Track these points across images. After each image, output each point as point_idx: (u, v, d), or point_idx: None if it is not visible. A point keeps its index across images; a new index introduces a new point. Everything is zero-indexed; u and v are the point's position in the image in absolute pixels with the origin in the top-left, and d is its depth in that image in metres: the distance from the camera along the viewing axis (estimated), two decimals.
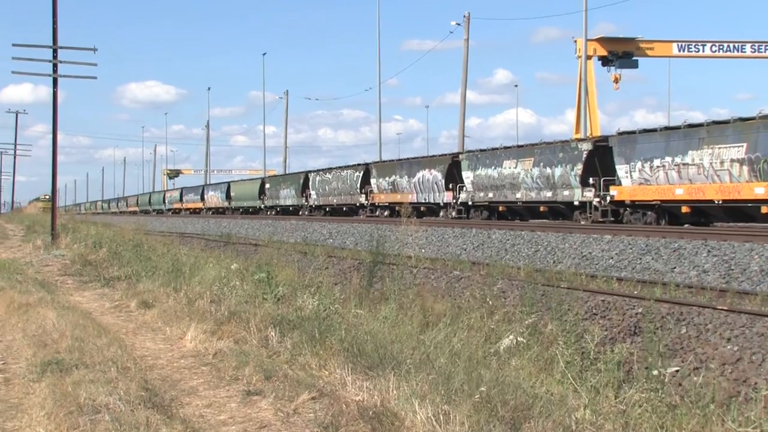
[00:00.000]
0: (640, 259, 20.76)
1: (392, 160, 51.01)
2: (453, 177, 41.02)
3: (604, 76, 56.71)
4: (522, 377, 8.70)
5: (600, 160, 31.94)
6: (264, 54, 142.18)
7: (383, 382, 7.42)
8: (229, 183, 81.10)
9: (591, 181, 31.68)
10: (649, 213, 29.33)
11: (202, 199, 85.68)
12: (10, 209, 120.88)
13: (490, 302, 13.72)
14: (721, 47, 56.96)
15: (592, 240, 23.61)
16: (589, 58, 51.92)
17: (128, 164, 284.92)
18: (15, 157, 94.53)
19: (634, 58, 55.56)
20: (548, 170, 34.10)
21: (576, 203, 32.55)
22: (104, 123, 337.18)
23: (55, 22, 31.88)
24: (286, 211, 62.72)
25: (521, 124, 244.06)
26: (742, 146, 25.63)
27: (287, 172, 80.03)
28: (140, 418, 6.61)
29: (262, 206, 67.79)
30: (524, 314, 12.84)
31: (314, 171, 59.60)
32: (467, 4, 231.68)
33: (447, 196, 41.08)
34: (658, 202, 28.67)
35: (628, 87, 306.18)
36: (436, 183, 42.31)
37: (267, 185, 68.52)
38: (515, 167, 36.30)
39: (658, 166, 28.62)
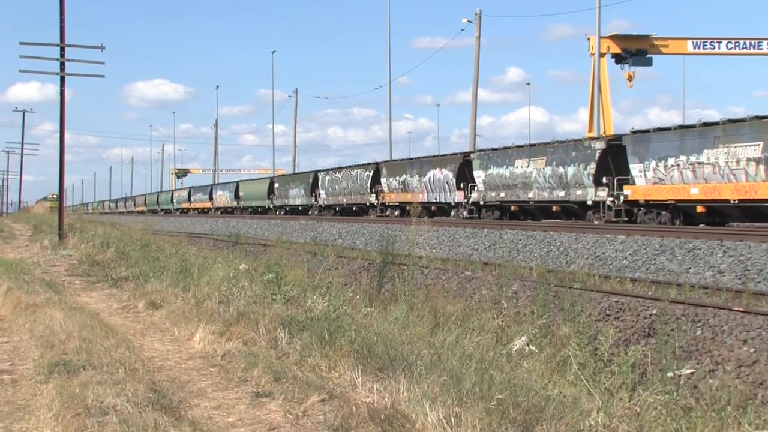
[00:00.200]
0: (655, 259, 20.70)
1: (403, 160, 50.99)
2: (464, 176, 40.98)
3: (618, 74, 56.65)
4: (534, 379, 8.69)
5: (613, 159, 31.86)
6: (273, 52, 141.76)
7: (394, 383, 7.41)
8: (237, 182, 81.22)
9: (604, 180, 31.60)
10: (664, 213, 29.25)
11: (211, 198, 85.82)
12: (17, 209, 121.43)
13: (504, 304, 13.70)
14: (737, 44, 56.76)
15: (606, 240, 23.56)
16: (602, 55, 51.83)
17: (136, 163, 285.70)
18: (22, 156, 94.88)
19: (648, 55, 55.40)
20: (561, 169, 34.03)
21: (589, 203, 32.48)
22: (112, 122, 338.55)
23: (62, 21, 31.99)
24: (295, 211, 62.76)
25: (533, 122, 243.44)
26: (759, 145, 25.52)
27: (296, 172, 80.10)
28: (148, 420, 6.62)
29: (271, 206, 67.86)
30: (537, 316, 12.83)
31: (324, 170, 59.63)
32: (479, 1, 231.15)
33: (458, 196, 41.04)
34: (673, 202, 28.58)
35: (641, 85, 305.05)
36: (447, 182, 42.28)
37: (276, 185, 68.58)
38: (527, 166, 36.24)
39: (672, 166, 28.53)
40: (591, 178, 32.17)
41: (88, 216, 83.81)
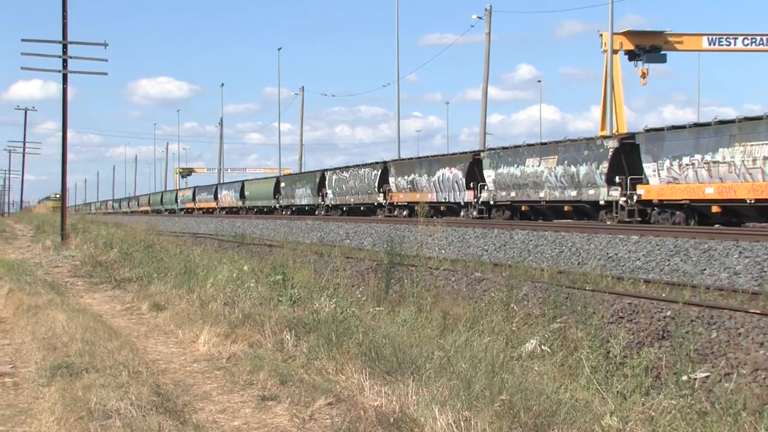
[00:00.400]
0: (669, 260, 20.66)
1: (411, 158, 50.98)
2: (474, 176, 40.96)
3: (631, 71, 56.57)
4: (545, 382, 8.67)
5: (626, 158, 31.80)
6: (279, 49, 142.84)
7: (402, 387, 7.41)
8: (243, 182, 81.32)
9: (617, 179, 31.55)
10: (678, 213, 29.19)
11: (216, 198, 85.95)
12: (19, 209, 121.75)
13: (515, 306, 13.68)
14: (753, 41, 56.62)
15: (619, 241, 23.52)
16: (615, 52, 51.76)
17: (140, 163, 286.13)
18: (24, 156, 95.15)
19: (662, 52, 55.30)
20: (573, 168, 33.98)
21: (601, 203, 32.43)
22: (115, 120, 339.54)
23: (65, 17, 32.08)
24: (301, 211, 62.81)
25: (545, 120, 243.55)
26: None
27: (303, 171, 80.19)
28: (152, 424, 6.63)
29: (277, 206, 67.93)
30: (548, 318, 12.81)
31: (331, 169, 59.65)
32: None
33: (468, 196, 41.02)
34: (687, 202, 28.51)
35: (655, 82, 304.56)
36: (456, 182, 42.27)
37: (282, 184, 68.64)
38: (538, 165, 36.20)
39: (687, 165, 28.47)
40: (603, 177, 32.12)
41: (90, 216, 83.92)
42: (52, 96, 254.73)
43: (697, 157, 28.08)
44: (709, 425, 8.05)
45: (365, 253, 26.62)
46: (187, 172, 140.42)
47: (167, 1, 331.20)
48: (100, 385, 7.77)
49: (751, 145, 26.19)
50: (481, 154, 41.73)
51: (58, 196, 77.74)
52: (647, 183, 30.29)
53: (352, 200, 54.34)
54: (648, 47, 54.44)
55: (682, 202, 28.70)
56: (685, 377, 9.66)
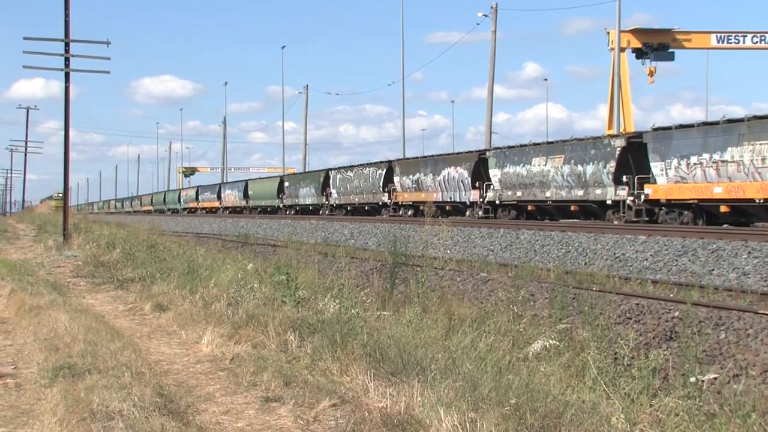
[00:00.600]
0: (677, 260, 20.64)
1: (416, 158, 50.97)
2: (480, 175, 40.94)
3: (639, 69, 56.42)
4: (552, 384, 8.67)
5: (634, 158, 31.76)
6: (283, 47, 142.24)
7: (407, 388, 7.41)
8: (246, 181, 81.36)
9: (624, 179, 31.52)
10: (686, 212, 29.15)
11: (219, 198, 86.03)
12: (20, 208, 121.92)
13: (519, 306, 13.67)
14: (762, 38, 56.47)
15: (626, 241, 23.50)
16: (622, 50, 51.65)
17: (142, 162, 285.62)
18: (26, 155, 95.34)
19: (670, 50, 55.16)
20: (579, 168, 33.96)
21: (609, 202, 32.40)
22: (118, 119, 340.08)
23: (67, 15, 32.11)
24: (305, 211, 62.84)
25: (551, 119, 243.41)
26: None
27: (307, 170, 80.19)
28: (155, 426, 6.64)
29: (281, 205, 67.97)
30: (555, 319, 12.80)
31: (335, 169, 59.67)
32: None
33: (473, 195, 41.01)
34: (696, 201, 28.47)
35: (663, 80, 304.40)
36: (462, 181, 42.26)
37: (286, 184, 68.67)
38: (545, 165, 36.18)
39: (695, 164, 28.43)
40: (611, 176, 32.09)
41: (93, 216, 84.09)
42: (54, 95, 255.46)
43: (706, 156, 28.04)
44: (717, 427, 8.03)
45: (370, 253, 26.63)
46: (190, 172, 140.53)
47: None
48: (103, 386, 7.78)
49: (760, 144, 26.14)
50: (487, 153, 41.71)
51: (60, 195, 77.89)
52: (655, 182, 30.26)
53: (356, 200, 54.35)
54: (656, 45, 54.32)
55: (690, 201, 28.66)
56: (693, 379, 9.64)
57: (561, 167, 35.10)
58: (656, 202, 30.25)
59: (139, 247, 23.71)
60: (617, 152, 32.22)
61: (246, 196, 77.21)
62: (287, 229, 44.78)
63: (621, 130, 45.99)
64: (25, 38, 33.53)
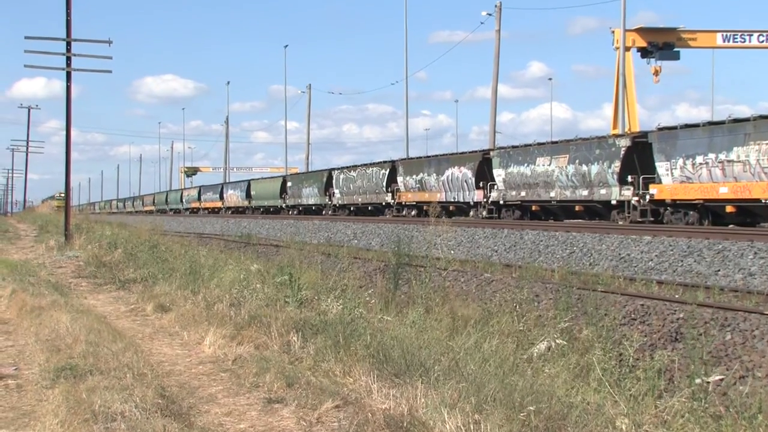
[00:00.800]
0: (682, 261, 20.62)
1: (420, 157, 50.97)
2: (484, 175, 40.94)
3: (644, 68, 56.41)
4: (556, 385, 8.67)
5: (639, 157, 31.74)
6: (285, 46, 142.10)
7: (411, 389, 7.41)
8: (249, 181, 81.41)
9: (629, 179, 31.49)
10: (692, 213, 29.12)
11: (221, 198, 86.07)
12: (22, 208, 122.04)
13: (523, 306, 13.67)
14: None
15: (631, 241, 23.49)
16: (627, 49, 51.60)
17: (144, 162, 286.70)
18: (27, 155, 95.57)
19: (676, 49, 55.14)
20: (584, 168, 33.94)
21: (613, 202, 32.38)
22: (119, 119, 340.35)
23: (68, 14, 32.13)
24: (308, 211, 62.85)
25: (556, 119, 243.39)
26: None
27: (310, 170, 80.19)
28: (157, 427, 6.65)
29: (284, 205, 67.99)
30: (559, 320, 12.80)
31: (338, 168, 59.68)
32: None
33: (477, 195, 41.00)
34: (701, 202, 28.44)
35: (669, 80, 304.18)
36: (465, 181, 42.25)
37: (289, 183, 68.69)
38: (549, 164, 36.16)
39: (700, 164, 28.40)
40: (615, 176, 32.07)
41: (95, 216, 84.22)
42: (55, 94, 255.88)
43: (711, 156, 28.01)
44: (723, 429, 8.03)
45: (373, 254, 26.63)
46: (192, 172, 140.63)
47: None
48: (105, 387, 7.78)
49: (767, 144, 26.11)
50: (491, 153, 41.70)
51: (62, 195, 77.97)
52: (660, 182, 30.23)
53: (359, 200, 54.35)
54: (661, 44, 54.30)
55: (696, 201, 28.63)
56: (698, 380, 9.63)
57: (565, 167, 35.08)
58: (661, 203, 30.22)
59: (141, 248, 23.72)
60: (622, 152, 32.19)
61: (248, 196, 77.24)
62: (290, 229, 44.80)
63: (626, 129, 45.98)
64: (26, 37, 33.58)
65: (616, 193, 32.08)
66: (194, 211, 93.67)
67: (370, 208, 53.28)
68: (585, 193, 33.78)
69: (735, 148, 27.15)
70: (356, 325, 10.18)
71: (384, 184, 51.03)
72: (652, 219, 30.43)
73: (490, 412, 6.70)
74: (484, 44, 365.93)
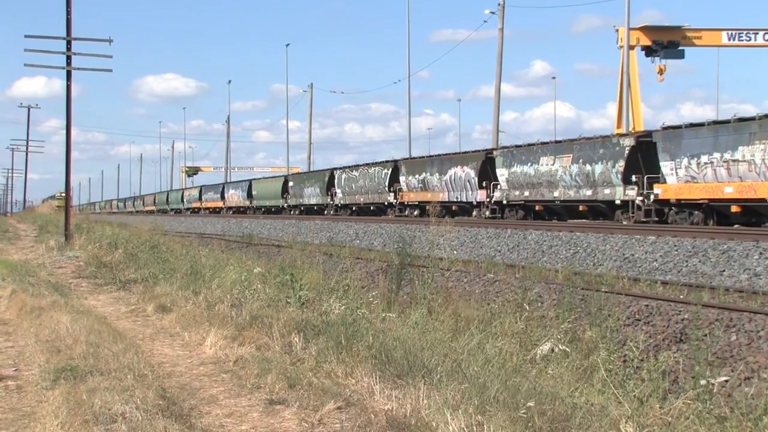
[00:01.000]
0: (687, 261, 20.61)
1: (422, 157, 50.97)
2: (486, 174, 40.93)
3: (648, 67, 56.38)
4: (560, 386, 8.66)
5: (643, 157, 31.72)
6: (287, 45, 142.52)
7: (413, 390, 7.41)
8: (250, 181, 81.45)
9: (633, 178, 31.48)
10: (696, 213, 29.10)
11: (223, 197, 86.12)
12: (22, 208, 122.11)
13: (528, 307, 13.67)
14: None
15: (635, 241, 23.48)
16: (631, 48, 51.61)
17: (145, 161, 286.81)
18: (27, 154, 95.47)
19: (680, 47, 55.12)
20: (588, 167, 33.93)
21: (617, 202, 32.37)
22: (120, 118, 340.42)
23: (69, 13, 32.13)
24: (310, 211, 62.88)
25: (560, 118, 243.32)
26: None
27: (312, 170, 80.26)
28: (158, 428, 6.65)
29: (285, 205, 68.02)
30: (562, 320, 12.80)
31: (340, 168, 59.70)
32: None
33: (480, 195, 41.00)
34: (706, 201, 28.43)
35: (673, 78, 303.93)
36: (468, 181, 42.25)
37: (290, 183, 68.72)
38: (553, 164, 36.16)
39: (705, 163, 28.38)
40: (619, 176, 32.06)
41: (95, 216, 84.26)
42: (56, 93, 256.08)
43: (716, 155, 27.99)
44: (728, 430, 8.03)
45: (375, 254, 26.64)
46: (193, 171, 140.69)
47: None
48: (105, 388, 7.79)
49: None
50: (494, 152, 41.69)
51: (63, 194, 78.01)
52: (664, 182, 30.22)
53: (361, 200, 54.36)
54: (665, 43, 54.27)
55: (701, 201, 28.62)
56: (703, 381, 9.63)
57: (569, 167, 35.07)
58: (666, 202, 30.20)
59: (142, 248, 23.73)
60: (626, 151, 32.18)
61: (250, 196, 77.28)
62: (291, 229, 44.82)
63: (630, 128, 45.96)
64: (26, 36, 33.61)
65: (620, 193, 32.07)
66: (195, 211, 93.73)
67: (372, 208, 53.29)
68: (589, 192, 33.77)
69: (740, 148, 27.12)
70: (358, 326, 10.18)
71: (386, 183, 51.04)
72: (656, 219, 30.42)
73: (493, 414, 6.70)
74: (487, 43, 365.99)
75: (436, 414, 6.77)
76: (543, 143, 38.60)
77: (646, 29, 54.45)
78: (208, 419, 7.39)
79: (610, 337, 11.92)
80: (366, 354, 8.87)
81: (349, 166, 58.28)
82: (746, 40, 56.30)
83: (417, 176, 47.53)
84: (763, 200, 26.31)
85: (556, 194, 35.73)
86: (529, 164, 37.67)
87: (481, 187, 41.02)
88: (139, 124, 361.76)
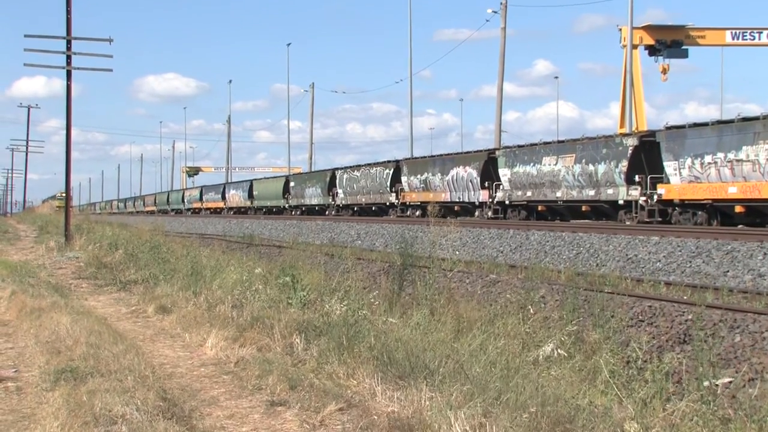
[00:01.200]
0: (690, 262, 20.59)
1: (424, 157, 50.96)
2: (489, 175, 40.91)
3: (652, 66, 56.33)
4: (563, 387, 8.66)
5: (646, 157, 31.71)
6: (288, 44, 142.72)
7: (415, 392, 7.41)
8: (251, 181, 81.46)
9: (637, 178, 31.46)
10: (700, 213, 29.08)
11: (224, 198, 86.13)
12: (21, 209, 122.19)
13: (531, 308, 13.67)
14: None
15: (638, 242, 23.46)
16: (635, 47, 51.59)
17: (145, 162, 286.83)
18: (27, 154, 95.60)
19: (684, 47, 55.09)
20: (591, 167, 33.91)
21: (621, 202, 32.35)
22: (120, 118, 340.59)
23: (69, 12, 32.15)
24: (311, 211, 62.88)
25: (562, 118, 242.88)
26: None
27: (313, 170, 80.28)
28: (159, 430, 6.65)
29: (287, 206, 68.02)
30: (565, 321, 12.79)
31: (342, 168, 59.70)
32: None
33: (483, 195, 40.99)
34: (710, 202, 28.41)
35: (677, 78, 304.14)
36: (471, 181, 42.24)
37: (292, 183, 68.73)
38: (555, 164, 36.14)
39: (709, 163, 28.36)
40: (623, 176, 32.04)
41: (95, 216, 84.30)
42: (55, 93, 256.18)
43: (720, 155, 27.97)
44: None
45: (377, 255, 26.64)
46: (194, 171, 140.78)
47: None
48: (105, 389, 7.79)
49: None
50: (497, 152, 41.67)
51: (63, 195, 78.06)
52: (668, 182, 30.19)
53: (363, 200, 54.36)
54: (669, 42, 54.24)
55: (704, 201, 28.59)
56: (707, 383, 9.62)
57: (572, 167, 35.06)
58: (669, 203, 30.18)
59: (142, 249, 23.73)
60: (629, 151, 32.16)
61: (251, 196, 77.29)
62: (293, 229, 44.82)
63: (633, 128, 45.94)
64: (26, 36, 33.58)
65: (623, 193, 32.06)
66: (196, 212, 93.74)
67: (373, 208, 53.30)
68: (592, 193, 33.76)
69: (744, 148, 27.10)
70: (360, 327, 10.18)
71: (388, 184, 51.03)
72: (659, 219, 30.39)
73: (496, 415, 6.70)
74: (490, 42, 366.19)
75: (439, 415, 6.77)
76: (546, 143, 38.58)
77: (649, 28, 54.43)
78: (209, 421, 7.39)
79: (614, 338, 11.91)
80: (368, 355, 8.87)
81: (351, 166, 58.29)
82: (750, 39, 56.26)
83: (419, 176, 47.53)
84: (767, 200, 26.29)
85: (558, 194, 35.72)
86: (532, 164, 37.66)
87: (483, 187, 41.01)
88: (140, 124, 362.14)
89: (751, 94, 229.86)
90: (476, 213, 41.93)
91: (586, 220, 34.81)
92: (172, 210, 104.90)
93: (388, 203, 51.05)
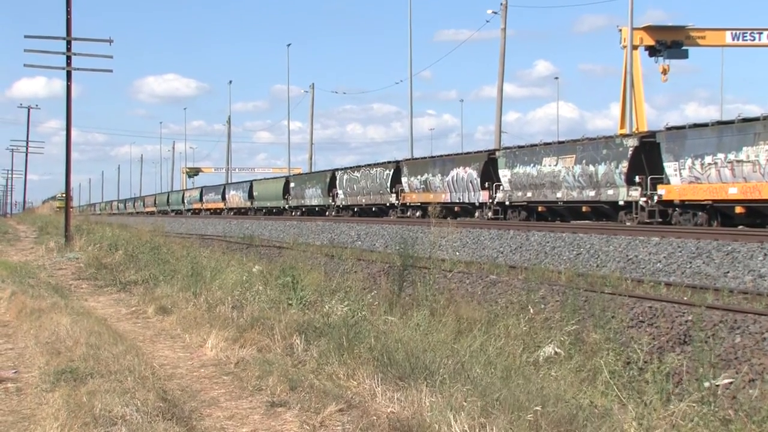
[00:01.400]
0: (691, 262, 20.60)
1: (425, 158, 50.98)
2: (489, 175, 40.92)
3: (652, 67, 56.34)
4: (563, 388, 8.66)
5: (647, 157, 31.71)
6: (288, 45, 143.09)
7: (416, 393, 7.41)
8: (251, 182, 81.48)
9: (637, 179, 31.46)
10: (700, 213, 29.08)
11: (224, 198, 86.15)
12: (21, 209, 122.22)
13: (531, 309, 13.67)
14: None
15: (639, 242, 23.46)
16: (635, 48, 51.59)
17: (145, 162, 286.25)
18: (27, 155, 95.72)
19: (684, 47, 55.08)
20: (591, 168, 33.92)
21: (621, 203, 32.35)
22: (121, 119, 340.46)
23: (69, 13, 32.16)
24: (311, 212, 62.89)
25: (563, 118, 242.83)
26: None
27: (313, 171, 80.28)
28: (158, 431, 6.65)
29: (287, 206, 68.03)
30: (566, 322, 12.79)
31: (342, 169, 59.71)
32: None
33: (483, 196, 41.00)
34: (710, 202, 28.41)
35: (677, 79, 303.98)
36: (471, 182, 42.24)
37: (292, 184, 68.75)
38: (556, 165, 36.15)
39: (709, 164, 28.36)
40: (623, 177, 32.04)
41: (95, 217, 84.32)
42: (56, 94, 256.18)
43: (720, 156, 27.97)
44: None
45: (377, 255, 26.65)
46: (194, 172, 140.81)
47: None
48: (105, 390, 7.79)
49: None
50: (497, 153, 41.69)
51: (63, 195, 78.03)
52: (668, 183, 30.20)
53: (363, 201, 54.37)
54: (669, 43, 54.24)
55: (705, 202, 28.59)
56: (707, 383, 9.62)
57: (572, 167, 35.07)
58: (670, 203, 30.18)
59: (142, 249, 23.73)
60: (630, 152, 32.17)
61: (251, 197, 77.31)
62: (293, 230, 44.82)
63: (634, 129, 45.95)
64: (26, 36, 33.71)
65: (623, 194, 32.06)
66: (196, 212, 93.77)
67: (374, 209, 53.31)
68: (592, 193, 33.77)
69: (744, 148, 27.10)
70: (360, 328, 10.18)
71: (388, 184, 51.04)
72: (660, 220, 30.39)
73: (496, 416, 6.70)
74: (490, 43, 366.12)
75: (439, 416, 6.77)
76: (546, 144, 38.59)
77: (649, 29, 54.43)
78: (209, 422, 7.40)
79: (614, 339, 11.90)
80: (368, 356, 8.87)
81: (351, 167, 58.30)
82: (750, 39, 56.26)
83: (419, 177, 47.54)
84: (767, 201, 26.29)
85: (559, 195, 35.72)
86: (532, 165, 37.67)
87: (483, 188, 41.01)
88: (140, 124, 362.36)
89: (751, 95, 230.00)
90: (476, 214, 41.93)
91: (587, 221, 34.81)
92: (172, 211, 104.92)
93: (388, 204, 51.06)
